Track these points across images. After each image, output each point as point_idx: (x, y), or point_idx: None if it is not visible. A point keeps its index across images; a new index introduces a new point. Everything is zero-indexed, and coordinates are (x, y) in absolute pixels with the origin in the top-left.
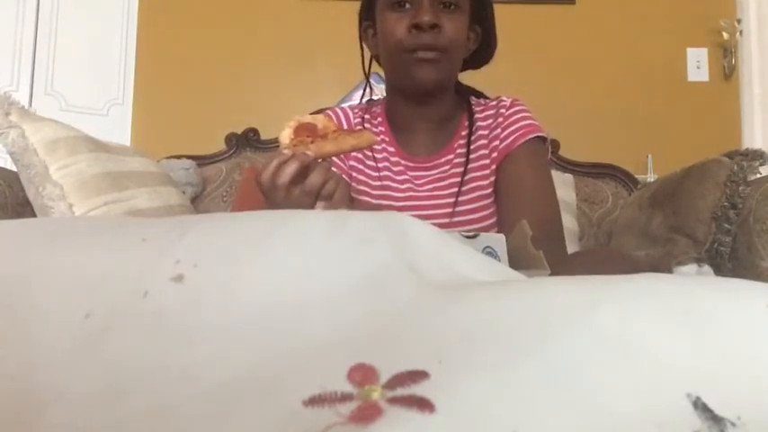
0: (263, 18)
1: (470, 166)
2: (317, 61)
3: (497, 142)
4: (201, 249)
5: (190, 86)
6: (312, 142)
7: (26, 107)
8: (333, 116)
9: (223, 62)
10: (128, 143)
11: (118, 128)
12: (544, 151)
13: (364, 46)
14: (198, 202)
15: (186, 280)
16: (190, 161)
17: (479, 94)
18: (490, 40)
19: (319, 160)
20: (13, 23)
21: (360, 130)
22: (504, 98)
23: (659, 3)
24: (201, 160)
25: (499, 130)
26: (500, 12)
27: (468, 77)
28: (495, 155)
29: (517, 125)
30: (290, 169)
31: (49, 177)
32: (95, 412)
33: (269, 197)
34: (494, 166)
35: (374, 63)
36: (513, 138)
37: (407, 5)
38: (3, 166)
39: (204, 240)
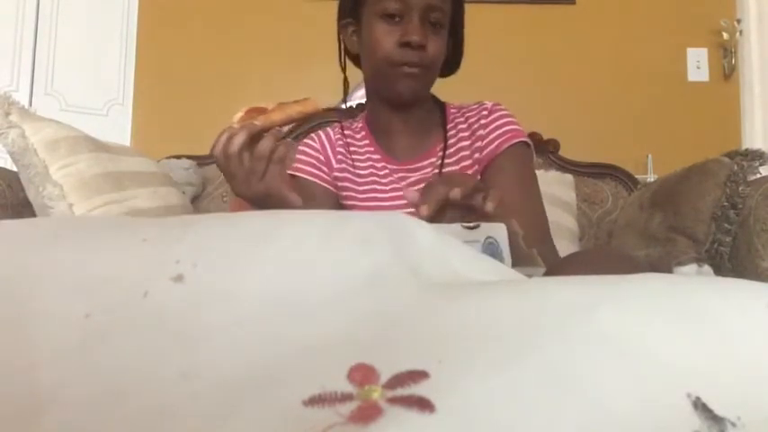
0: (263, 18)
1: (451, 168)
2: (317, 61)
3: (480, 143)
4: (201, 249)
5: (190, 86)
6: (260, 116)
7: (26, 107)
8: (316, 139)
9: (223, 62)
10: (128, 143)
11: (118, 128)
12: (529, 156)
13: (342, 42)
14: (198, 202)
15: (186, 280)
16: (190, 161)
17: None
18: (459, 51)
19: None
20: (13, 23)
21: (304, 99)
22: (486, 102)
23: (659, 3)
24: (201, 160)
25: (482, 131)
26: (500, 12)
27: (468, 78)
28: (477, 155)
29: (501, 130)
30: (240, 138)
31: (49, 177)
32: (95, 412)
33: (223, 169)
34: (476, 167)
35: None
36: (497, 142)
37: (398, 18)
38: (3, 166)
39: (204, 240)
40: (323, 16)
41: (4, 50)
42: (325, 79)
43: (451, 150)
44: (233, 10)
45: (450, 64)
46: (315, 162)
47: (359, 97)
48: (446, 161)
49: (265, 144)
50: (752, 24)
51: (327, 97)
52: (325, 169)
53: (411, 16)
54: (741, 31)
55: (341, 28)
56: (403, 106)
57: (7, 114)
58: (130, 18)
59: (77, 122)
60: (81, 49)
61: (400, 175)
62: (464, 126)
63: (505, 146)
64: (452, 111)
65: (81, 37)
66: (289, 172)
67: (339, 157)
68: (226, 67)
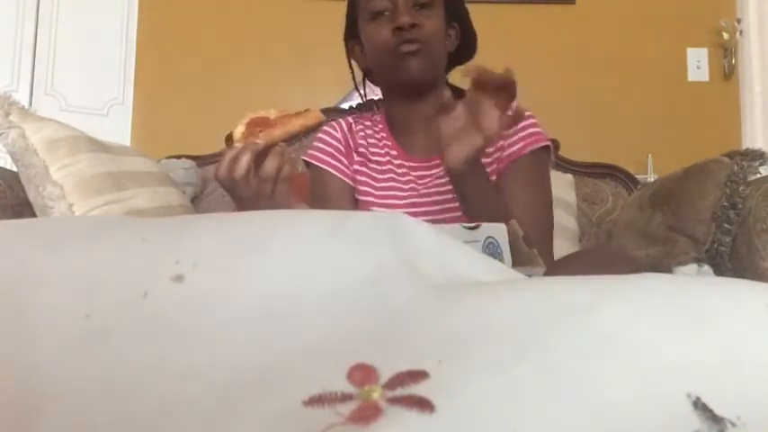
0: (263, 18)
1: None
2: (317, 61)
3: (503, 141)
4: (201, 249)
5: (190, 86)
6: (261, 131)
7: (26, 107)
8: (337, 127)
9: (223, 62)
10: (128, 143)
11: (118, 128)
12: (546, 161)
13: (353, 64)
14: (198, 202)
15: (186, 280)
16: (190, 161)
17: None
18: (469, 35)
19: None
20: (13, 23)
21: (306, 110)
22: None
23: (659, 3)
24: (201, 160)
25: None
26: (500, 12)
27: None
28: (498, 154)
29: (525, 132)
30: (244, 160)
31: (49, 177)
32: (95, 412)
33: (230, 193)
34: (495, 165)
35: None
36: (520, 145)
37: (386, 13)
38: (3, 166)
39: (204, 240)
40: (323, 16)
41: (4, 50)
42: (325, 79)
43: None
44: (233, 10)
45: (464, 51)
46: (334, 153)
47: (359, 98)
48: None
49: (271, 164)
50: (752, 24)
51: (327, 97)
52: (345, 161)
53: (396, 6)
54: (741, 31)
55: (349, 53)
56: (416, 94)
57: (7, 114)
58: (130, 18)
59: (77, 122)
60: (81, 49)
61: (419, 173)
62: None
63: (528, 149)
64: None
65: (81, 37)
66: (304, 158)
67: (361, 150)
68: (226, 67)
